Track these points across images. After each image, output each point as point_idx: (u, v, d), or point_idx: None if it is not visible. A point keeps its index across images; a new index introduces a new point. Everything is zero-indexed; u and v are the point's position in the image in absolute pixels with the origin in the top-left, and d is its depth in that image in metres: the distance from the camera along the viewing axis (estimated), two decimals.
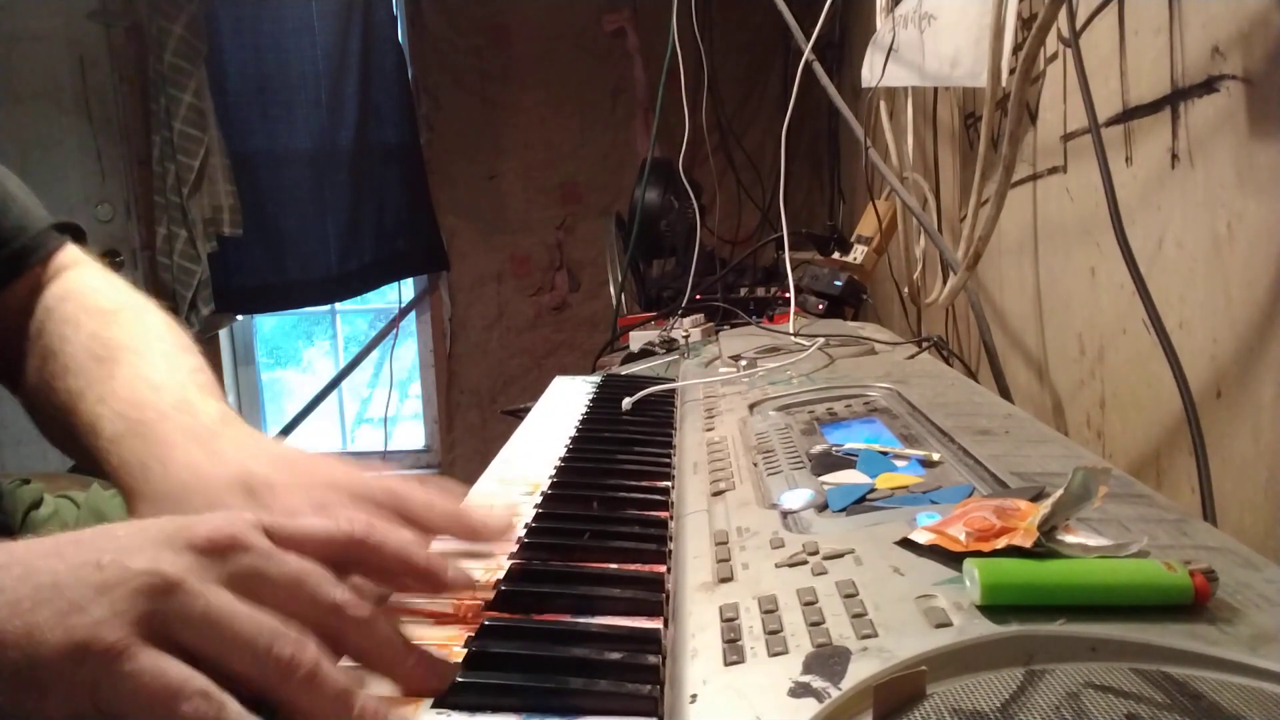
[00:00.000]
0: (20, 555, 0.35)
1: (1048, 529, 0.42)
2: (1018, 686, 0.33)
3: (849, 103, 1.35)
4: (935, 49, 1.17)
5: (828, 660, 0.36)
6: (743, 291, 1.76)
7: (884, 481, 0.57)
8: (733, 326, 1.45)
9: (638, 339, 1.42)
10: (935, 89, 1.48)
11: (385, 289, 3.36)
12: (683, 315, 1.48)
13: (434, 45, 3.16)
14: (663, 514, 0.61)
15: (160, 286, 2.90)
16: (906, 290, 1.61)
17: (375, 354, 3.44)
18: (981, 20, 1.01)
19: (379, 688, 0.39)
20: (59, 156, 2.87)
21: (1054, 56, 1.03)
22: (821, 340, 1.07)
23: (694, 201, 1.99)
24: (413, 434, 3.52)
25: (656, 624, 0.45)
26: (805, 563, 0.46)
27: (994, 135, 1.05)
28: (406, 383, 3.54)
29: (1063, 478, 0.43)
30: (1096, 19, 0.89)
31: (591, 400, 0.97)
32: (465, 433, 3.37)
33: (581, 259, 3.28)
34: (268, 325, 3.66)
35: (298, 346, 3.82)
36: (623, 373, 1.26)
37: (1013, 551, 0.41)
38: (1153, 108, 0.80)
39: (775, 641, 0.38)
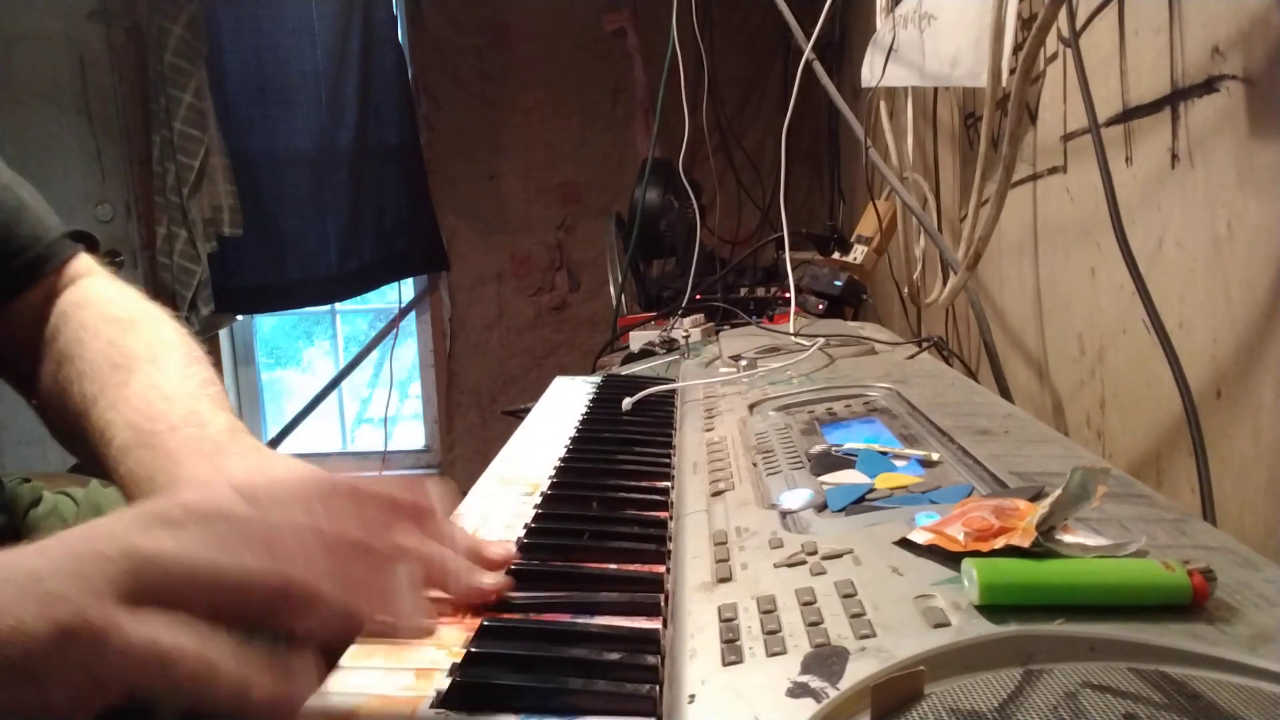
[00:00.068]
0: (3, 560, 0.35)
1: (1046, 529, 0.42)
2: (1016, 686, 0.33)
3: (849, 103, 1.35)
4: (935, 49, 1.17)
5: (826, 660, 0.36)
6: (743, 291, 1.76)
7: (883, 481, 0.57)
8: (733, 326, 1.45)
9: (638, 339, 1.42)
10: (935, 89, 1.48)
11: (385, 289, 3.36)
12: (683, 315, 1.48)
13: (434, 45, 3.16)
14: (662, 514, 0.61)
15: (160, 286, 2.90)
16: (906, 290, 1.61)
17: (375, 354, 3.44)
18: (981, 20, 1.01)
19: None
20: (59, 156, 2.87)
21: (1054, 56, 1.03)
22: (821, 340, 1.07)
23: (694, 201, 1.99)
24: (413, 434, 3.52)
25: (655, 624, 0.45)
26: (804, 563, 0.46)
27: (994, 135, 1.05)
28: (406, 383, 3.54)
29: (1062, 478, 0.43)
30: (1096, 19, 0.89)
31: (591, 400, 0.97)
32: (465, 433, 3.37)
33: (581, 259, 3.28)
34: (268, 325, 3.66)
35: (298, 346, 3.82)
36: (623, 373, 1.26)
37: (1011, 551, 0.41)
38: (1153, 108, 0.80)
39: (774, 642, 0.38)
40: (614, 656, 0.41)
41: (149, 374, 0.61)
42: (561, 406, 0.96)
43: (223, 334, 3.28)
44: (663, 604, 0.47)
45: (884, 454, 0.63)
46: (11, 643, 0.32)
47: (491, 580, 0.48)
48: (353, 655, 0.43)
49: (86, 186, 2.93)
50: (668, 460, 0.73)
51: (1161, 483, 0.81)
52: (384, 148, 3.12)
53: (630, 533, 0.57)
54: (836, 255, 1.66)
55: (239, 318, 3.32)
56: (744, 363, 1.01)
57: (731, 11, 2.93)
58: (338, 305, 3.52)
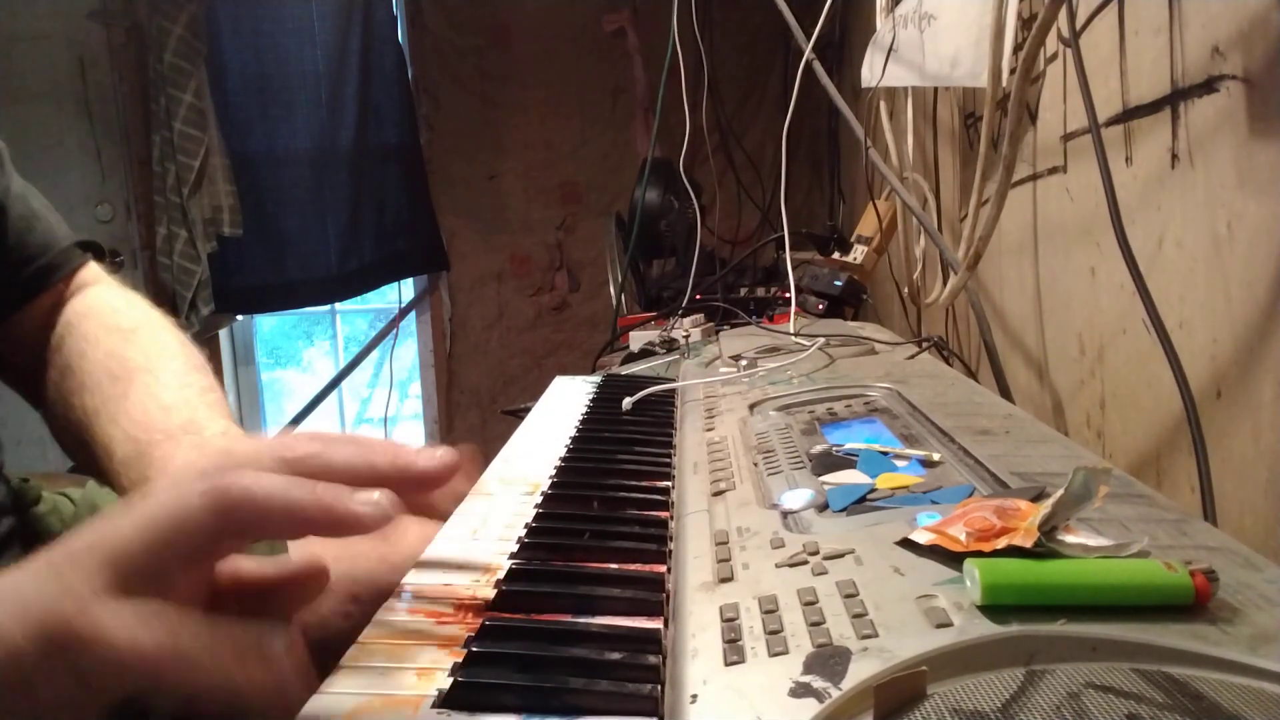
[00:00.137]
0: None
1: (1048, 529, 0.42)
2: (1018, 686, 0.33)
3: (849, 103, 1.35)
4: (935, 49, 1.17)
5: (828, 660, 0.36)
6: (743, 291, 1.76)
7: (884, 481, 0.57)
8: (733, 326, 1.45)
9: (638, 339, 1.42)
10: (935, 89, 1.48)
11: (385, 289, 3.36)
12: (683, 315, 1.48)
13: (434, 45, 3.16)
14: (663, 514, 0.61)
15: (160, 286, 2.90)
16: (906, 290, 1.61)
17: (375, 354, 3.44)
18: (981, 20, 1.01)
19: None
20: (59, 156, 2.87)
21: (1054, 56, 1.03)
22: (821, 340, 1.06)
23: (694, 201, 1.99)
24: (413, 434, 3.52)
25: (657, 624, 0.45)
26: (805, 563, 0.46)
27: (994, 135, 1.05)
28: (406, 383, 3.54)
29: (1063, 478, 0.43)
30: (1096, 19, 0.89)
31: (591, 400, 0.97)
32: (465, 433, 3.37)
33: (581, 259, 3.28)
34: (268, 325, 3.66)
35: (298, 346, 3.82)
36: (623, 373, 1.25)
37: (1013, 551, 0.41)
38: (1153, 108, 0.80)
39: (776, 641, 0.38)
40: (615, 656, 0.41)
41: (147, 384, 0.61)
42: (561, 406, 0.96)
43: (223, 334, 3.27)
44: (664, 604, 0.47)
45: (885, 454, 0.62)
46: None
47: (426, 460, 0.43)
48: (353, 655, 0.43)
49: (86, 186, 2.93)
50: (668, 460, 0.73)
51: (1162, 483, 0.81)
52: (384, 148, 3.12)
53: (631, 532, 0.57)
54: (836, 255, 1.66)
55: (239, 318, 3.32)
56: (744, 363, 1.01)
57: (731, 11, 2.93)
58: (338, 305, 3.52)
